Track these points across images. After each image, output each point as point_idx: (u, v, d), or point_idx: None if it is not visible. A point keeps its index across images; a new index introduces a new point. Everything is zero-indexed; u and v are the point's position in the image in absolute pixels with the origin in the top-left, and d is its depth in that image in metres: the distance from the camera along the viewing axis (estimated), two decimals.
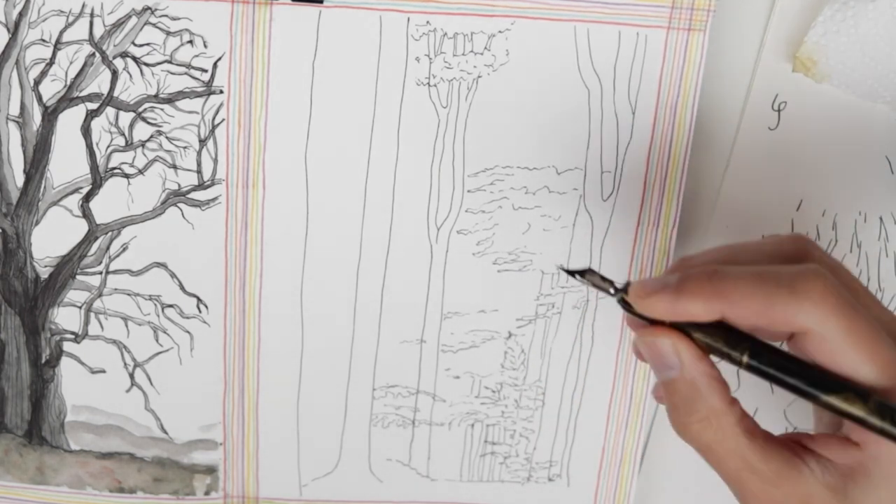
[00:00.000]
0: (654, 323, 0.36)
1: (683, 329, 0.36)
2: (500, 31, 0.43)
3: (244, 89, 0.43)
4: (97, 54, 0.42)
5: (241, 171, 0.44)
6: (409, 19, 0.43)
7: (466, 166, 0.45)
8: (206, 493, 0.49)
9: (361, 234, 0.46)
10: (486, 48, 0.43)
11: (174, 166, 0.44)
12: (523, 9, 0.43)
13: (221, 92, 0.43)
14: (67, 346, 0.46)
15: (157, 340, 0.47)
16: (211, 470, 0.49)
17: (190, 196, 0.44)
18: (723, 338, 0.35)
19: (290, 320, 0.47)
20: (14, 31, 0.42)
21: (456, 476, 0.50)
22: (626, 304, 0.37)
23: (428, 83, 0.44)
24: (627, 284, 0.37)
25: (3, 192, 0.44)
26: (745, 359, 0.35)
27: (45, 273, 0.45)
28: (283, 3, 0.42)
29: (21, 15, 0.42)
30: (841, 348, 0.34)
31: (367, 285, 0.46)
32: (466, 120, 0.44)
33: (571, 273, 0.39)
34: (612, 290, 0.37)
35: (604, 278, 0.38)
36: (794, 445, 0.37)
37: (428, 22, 0.43)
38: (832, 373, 0.35)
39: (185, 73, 0.43)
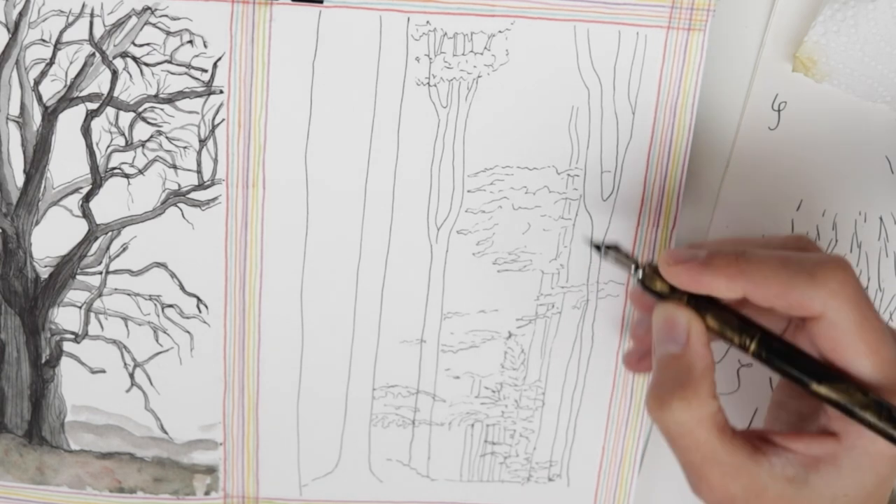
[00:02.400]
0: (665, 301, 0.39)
1: (699, 312, 0.38)
2: (500, 31, 0.43)
3: (244, 89, 0.43)
4: (97, 54, 0.42)
5: (241, 171, 0.44)
6: (409, 19, 0.43)
7: (466, 166, 0.45)
8: (206, 493, 0.49)
9: (361, 234, 0.46)
10: (486, 48, 0.43)
11: (174, 166, 0.44)
12: (523, 9, 0.43)
13: (221, 92, 0.43)
14: (67, 346, 0.46)
15: (157, 340, 0.47)
16: (211, 470, 0.49)
17: (190, 196, 0.44)
18: (734, 324, 0.37)
19: (290, 320, 0.47)
20: (14, 31, 0.42)
21: (456, 476, 0.50)
22: (644, 285, 0.39)
23: (428, 83, 0.44)
24: (648, 265, 0.39)
25: (3, 192, 0.44)
26: (753, 345, 0.37)
27: (45, 273, 0.45)
28: (283, 3, 0.42)
29: (21, 15, 0.42)
30: (848, 338, 0.36)
31: (367, 285, 0.46)
32: (466, 120, 0.44)
33: (597, 247, 0.41)
34: (633, 268, 0.40)
35: (628, 256, 0.40)
36: (757, 441, 0.38)
37: (428, 22, 0.43)
38: (833, 366, 0.36)
39: (185, 73, 0.43)
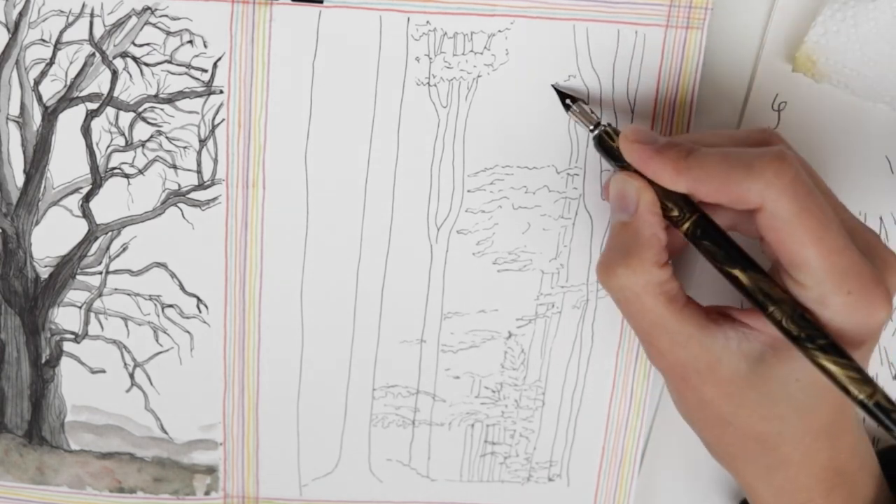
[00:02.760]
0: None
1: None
2: (499, 31, 0.43)
3: (244, 89, 0.43)
4: (97, 54, 0.42)
5: (241, 171, 0.44)
6: (409, 19, 0.43)
7: (466, 166, 0.45)
8: (206, 493, 0.49)
9: (361, 233, 0.46)
10: (486, 48, 0.43)
11: (174, 166, 0.44)
12: (523, 8, 0.43)
13: (221, 92, 0.43)
14: (67, 346, 0.46)
15: (157, 340, 0.47)
16: (211, 470, 0.49)
17: (190, 196, 0.45)
18: (678, 203, 0.38)
19: (290, 320, 0.47)
20: (14, 31, 0.42)
21: (456, 476, 0.50)
22: (601, 143, 0.41)
23: (428, 83, 0.44)
24: (608, 125, 0.41)
25: (3, 192, 0.44)
26: (688, 224, 0.38)
27: (45, 273, 0.45)
28: (283, 3, 0.42)
29: (21, 15, 0.42)
30: (788, 228, 0.36)
31: (367, 285, 0.46)
32: (466, 120, 0.44)
33: (562, 96, 0.43)
34: (591, 127, 0.41)
35: (592, 112, 0.42)
36: (716, 315, 0.39)
37: (428, 22, 0.43)
38: (783, 259, 0.37)
39: (185, 73, 0.43)
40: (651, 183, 0.39)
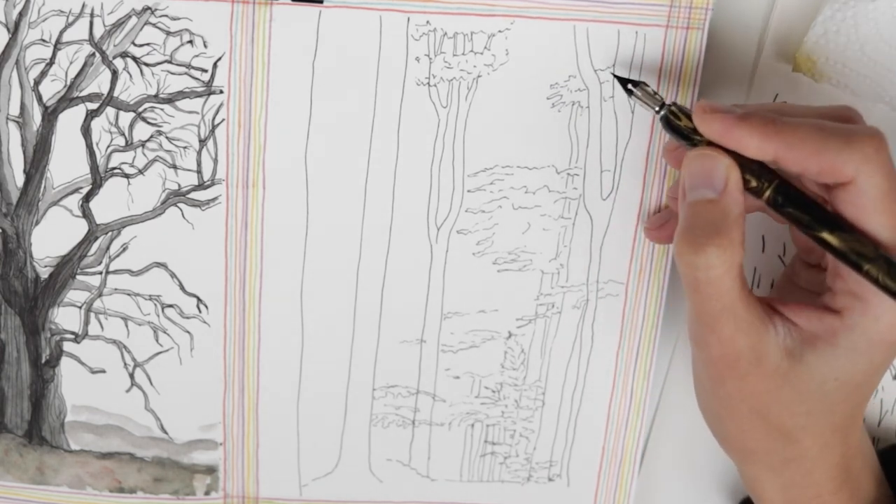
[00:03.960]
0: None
1: None
2: (499, 31, 0.43)
3: (244, 89, 0.43)
4: (97, 54, 0.42)
5: (241, 171, 0.44)
6: (409, 19, 0.43)
7: (466, 166, 0.45)
8: (206, 493, 0.49)
9: (361, 233, 0.46)
10: (486, 48, 0.43)
11: (174, 166, 0.44)
12: (523, 8, 0.43)
13: (221, 92, 0.43)
14: (67, 346, 0.46)
15: (157, 340, 0.47)
16: (211, 470, 0.49)
17: (190, 196, 0.45)
18: (753, 168, 0.38)
19: (290, 320, 0.47)
20: (14, 31, 0.42)
21: (456, 476, 0.50)
22: (668, 123, 0.39)
23: (428, 83, 0.44)
24: (673, 104, 0.39)
25: (3, 192, 0.44)
26: (769, 191, 0.37)
27: (45, 273, 0.45)
28: (283, 3, 0.42)
29: (21, 15, 0.42)
30: (874, 205, 0.36)
31: (367, 285, 0.46)
32: (466, 120, 0.44)
33: (622, 81, 0.41)
34: (657, 108, 0.40)
35: (654, 94, 0.40)
36: (766, 307, 0.38)
37: (428, 22, 0.43)
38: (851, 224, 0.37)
39: (185, 73, 0.43)
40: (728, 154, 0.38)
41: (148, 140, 0.44)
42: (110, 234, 0.45)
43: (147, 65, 0.43)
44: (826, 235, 0.37)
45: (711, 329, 0.38)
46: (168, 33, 0.42)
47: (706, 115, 0.38)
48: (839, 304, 0.38)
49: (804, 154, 0.36)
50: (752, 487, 0.42)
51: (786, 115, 0.38)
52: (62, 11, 0.42)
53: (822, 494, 0.40)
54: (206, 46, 0.42)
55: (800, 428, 0.39)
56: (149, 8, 0.42)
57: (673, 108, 0.39)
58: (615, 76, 0.43)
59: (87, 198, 0.44)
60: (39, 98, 0.43)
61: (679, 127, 0.39)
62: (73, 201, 0.44)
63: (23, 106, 0.43)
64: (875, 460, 0.43)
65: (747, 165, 0.37)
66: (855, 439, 0.41)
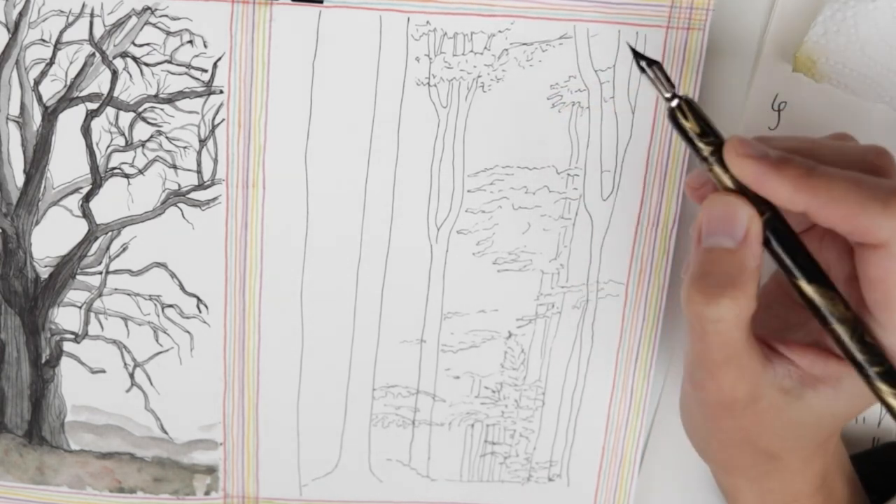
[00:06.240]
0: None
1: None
2: (499, 31, 0.43)
3: (244, 89, 0.43)
4: (97, 54, 0.42)
5: (241, 171, 0.44)
6: (409, 19, 0.43)
7: (466, 166, 0.45)
8: (206, 493, 0.49)
9: (361, 234, 0.46)
10: (485, 48, 0.43)
11: (174, 166, 0.44)
12: (523, 8, 0.43)
13: (221, 92, 0.43)
14: (67, 346, 0.46)
15: (157, 340, 0.47)
16: (211, 470, 0.49)
17: (190, 196, 0.44)
18: (748, 194, 0.36)
19: (290, 320, 0.47)
20: (14, 31, 0.42)
21: (456, 476, 0.50)
22: (674, 118, 0.37)
23: (428, 83, 0.44)
24: (686, 97, 0.37)
25: (3, 192, 0.44)
26: (764, 231, 0.36)
27: (45, 273, 0.45)
28: (283, 3, 0.42)
29: (21, 15, 0.42)
30: None
31: (367, 285, 0.46)
32: (466, 120, 0.44)
33: (638, 58, 0.38)
34: (668, 96, 0.37)
35: (668, 80, 0.37)
36: (765, 348, 0.38)
37: (428, 22, 0.43)
38: (870, 298, 0.35)
39: (185, 73, 0.43)
40: (722, 176, 0.36)
41: (148, 140, 0.44)
42: (110, 234, 0.45)
43: (147, 65, 0.43)
44: (804, 285, 0.36)
45: (712, 376, 0.37)
46: (168, 33, 0.42)
47: (738, 160, 0.35)
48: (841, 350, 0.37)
49: (839, 214, 0.34)
50: (728, 493, 0.43)
51: (818, 156, 0.36)
52: (62, 11, 0.42)
53: (798, 499, 0.40)
54: (206, 46, 0.42)
55: (787, 450, 0.39)
56: (149, 8, 0.42)
57: (684, 103, 0.37)
58: (631, 49, 0.39)
59: (87, 198, 0.44)
60: (39, 98, 0.43)
61: (683, 127, 0.37)
62: (73, 201, 0.44)
63: (23, 106, 0.43)
64: (846, 458, 0.43)
65: (746, 189, 0.36)
66: (833, 446, 0.41)
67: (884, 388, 0.35)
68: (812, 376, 0.37)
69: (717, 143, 0.36)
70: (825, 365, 0.37)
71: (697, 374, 0.38)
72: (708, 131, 0.36)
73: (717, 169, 0.36)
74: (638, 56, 0.38)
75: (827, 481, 0.41)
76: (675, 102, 0.37)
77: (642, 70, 0.38)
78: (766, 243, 0.36)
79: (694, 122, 0.36)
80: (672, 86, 0.37)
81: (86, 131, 0.43)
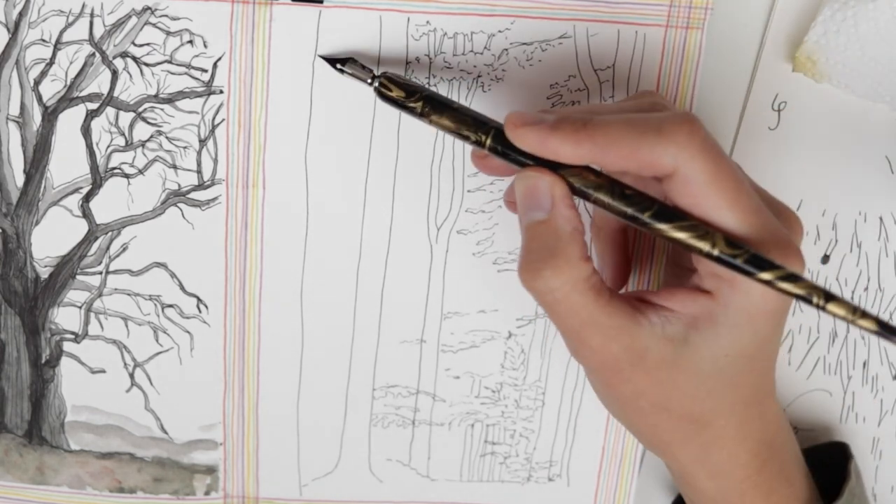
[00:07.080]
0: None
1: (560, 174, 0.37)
2: (499, 31, 0.43)
3: (244, 89, 0.43)
4: (97, 54, 0.42)
5: (241, 171, 0.44)
6: (409, 19, 0.43)
7: (466, 166, 0.45)
8: (206, 493, 0.49)
9: (361, 233, 0.46)
10: (485, 48, 0.43)
11: (174, 166, 0.44)
12: (523, 8, 0.43)
13: (221, 92, 0.43)
14: (67, 346, 0.46)
15: (157, 340, 0.47)
16: (211, 470, 0.49)
17: (190, 196, 0.45)
18: (589, 180, 0.36)
19: (290, 320, 0.47)
20: (14, 31, 0.42)
21: (456, 476, 0.50)
22: (382, 95, 0.39)
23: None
24: (384, 73, 0.39)
25: (3, 192, 0.44)
26: (604, 197, 0.36)
27: (45, 273, 0.45)
28: (283, 3, 0.42)
29: (21, 15, 0.42)
30: (704, 191, 0.35)
31: (367, 285, 0.46)
32: None
33: (331, 62, 0.41)
34: (368, 81, 0.40)
35: (363, 67, 0.40)
36: (636, 302, 0.38)
37: (428, 22, 0.43)
38: (690, 214, 0.36)
39: (185, 73, 0.43)
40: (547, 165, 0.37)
41: (148, 140, 0.44)
42: (110, 234, 0.45)
43: (147, 65, 0.43)
44: (658, 226, 0.36)
45: (580, 342, 0.37)
46: (168, 33, 0.42)
47: (518, 130, 0.36)
48: (707, 286, 0.37)
49: (620, 154, 0.35)
50: (682, 483, 0.42)
51: (597, 114, 0.37)
52: (62, 11, 0.42)
53: (750, 476, 0.40)
54: (206, 46, 0.42)
55: (708, 410, 0.38)
56: (149, 8, 0.42)
57: (383, 78, 0.39)
58: (323, 58, 0.42)
59: (87, 198, 0.44)
60: (39, 98, 0.43)
61: (392, 98, 0.39)
62: (73, 201, 0.44)
63: (23, 106, 0.43)
64: (794, 438, 0.43)
65: (583, 178, 0.36)
66: (772, 410, 0.40)
67: (763, 274, 0.34)
68: (691, 316, 0.37)
69: (425, 96, 0.39)
70: (695, 302, 0.37)
71: (569, 345, 0.38)
72: (414, 90, 0.39)
73: (513, 154, 0.37)
74: (331, 61, 0.41)
75: (775, 453, 0.40)
76: (376, 83, 0.39)
77: (341, 72, 0.41)
78: (624, 213, 0.36)
79: (399, 90, 0.39)
80: (369, 70, 0.40)
81: (86, 131, 0.43)
